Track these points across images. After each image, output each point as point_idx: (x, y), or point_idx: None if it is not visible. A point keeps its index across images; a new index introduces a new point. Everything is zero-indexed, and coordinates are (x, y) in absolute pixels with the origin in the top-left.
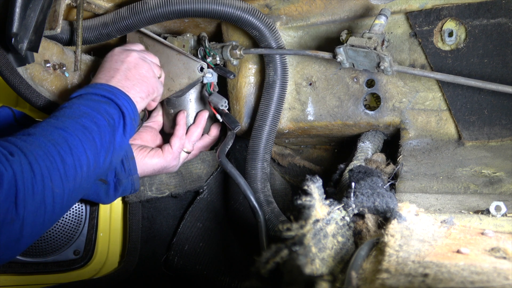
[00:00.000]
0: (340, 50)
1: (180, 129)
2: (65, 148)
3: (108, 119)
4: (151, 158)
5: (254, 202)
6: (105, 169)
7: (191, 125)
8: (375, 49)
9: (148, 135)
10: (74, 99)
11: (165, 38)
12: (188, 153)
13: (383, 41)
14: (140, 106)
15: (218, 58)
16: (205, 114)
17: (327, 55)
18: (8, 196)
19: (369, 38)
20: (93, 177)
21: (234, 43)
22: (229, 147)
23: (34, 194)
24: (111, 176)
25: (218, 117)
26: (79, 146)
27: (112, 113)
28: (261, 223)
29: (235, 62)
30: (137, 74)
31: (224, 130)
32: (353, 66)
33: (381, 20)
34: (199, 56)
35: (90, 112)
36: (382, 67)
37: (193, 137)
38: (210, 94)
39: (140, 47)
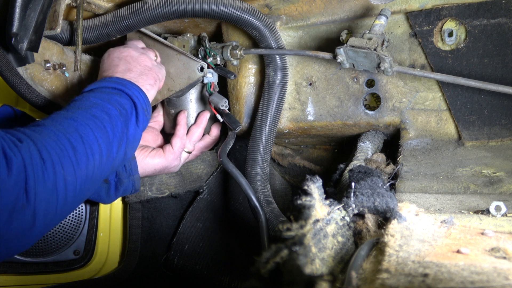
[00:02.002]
0: (340, 51)
1: (180, 129)
2: (75, 136)
3: (119, 109)
4: (152, 158)
5: (256, 202)
6: (120, 160)
7: (192, 125)
8: (375, 49)
9: (150, 135)
10: (85, 93)
11: (165, 38)
12: (189, 153)
13: (383, 41)
14: (150, 94)
15: (218, 59)
16: (206, 115)
17: (327, 55)
18: (18, 182)
19: (369, 38)
20: (107, 167)
21: (234, 43)
22: (230, 147)
23: (45, 181)
24: (112, 175)
25: (219, 117)
26: (90, 135)
27: (123, 104)
28: (262, 223)
29: (235, 62)
30: (138, 65)
31: (224, 130)
32: (353, 66)
33: (381, 21)
34: (200, 57)
35: (101, 102)
36: (382, 68)
37: (194, 137)
38: (210, 94)
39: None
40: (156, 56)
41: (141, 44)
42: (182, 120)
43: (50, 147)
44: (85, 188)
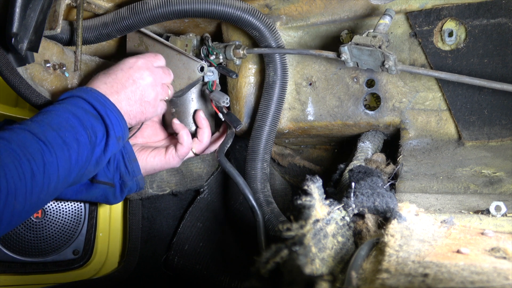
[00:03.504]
0: (345, 49)
1: (185, 137)
2: (39, 164)
3: (90, 136)
4: (153, 158)
5: (253, 202)
6: (76, 182)
7: (197, 128)
8: (380, 47)
9: (149, 129)
10: (64, 103)
11: (168, 37)
12: (196, 154)
13: (387, 40)
14: (131, 123)
15: (221, 57)
16: (200, 113)
17: (331, 54)
18: None
19: (374, 36)
20: (58, 191)
21: (237, 43)
22: (228, 146)
23: None
24: (116, 178)
25: (220, 115)
26: (53, 164)
27: (97, 130)
28: (260, 223)
29: (238, 61)
30: (140, 99)
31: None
32: (357, 65)
33: (386, 20)
34: (202, 55)
35: (76, 126)
36: (386, 66)
37: (204, 139)
38: (211, 91)
39: (162, 61)
40: (166, 98)
41: (162, 62)
42: (183, 130)
43: (9, 176)
44: (30, 212)
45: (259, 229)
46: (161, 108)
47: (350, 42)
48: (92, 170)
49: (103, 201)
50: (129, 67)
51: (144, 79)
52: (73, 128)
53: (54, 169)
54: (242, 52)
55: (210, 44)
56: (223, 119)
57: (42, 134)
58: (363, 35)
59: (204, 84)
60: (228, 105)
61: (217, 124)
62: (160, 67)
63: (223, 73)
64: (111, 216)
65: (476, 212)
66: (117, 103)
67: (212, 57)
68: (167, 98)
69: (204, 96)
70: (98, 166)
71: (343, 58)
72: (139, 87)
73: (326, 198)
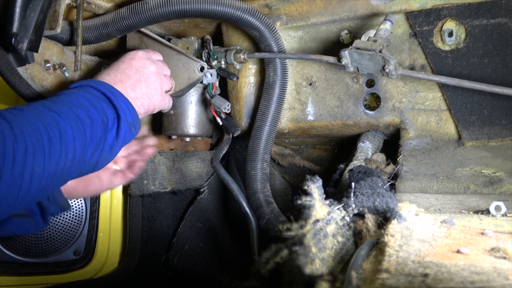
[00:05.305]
0: (345, 53)
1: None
2: (55, 131)
3: (102, 117)
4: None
5: (246, 208)
6: (90, 167)
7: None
8: (380, 51)
9: None
10: (73, 89)
11: (169, 40)
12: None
13: (388, 45)
14: (140, 113)
15: (222, 62)
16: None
17: (331, 59)
18: None
19: (374, 41)
20: (75, 170)
21: (238, 47)
22: (224, 152)
23: (14, 165)
24: (35, 208)
25: (219, 120)
26: (69, 133)
27: (107, 113)
28: (253, 229)
29: (238, 66)
30: (145, 88)
31: (220, 131)
32: (357, 70)
33: (386, 25)
34: (204, 59)
35: (87, 105)
36: (387, 70)
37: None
38: (212, 96)
39: (160, 56)
40: (171, 89)
41: (160, 57)
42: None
43: (27, 134)
44: (48, 184)
45: (252, 236)
46: (169, 100)
47: (350, 47)
48: (107, 157)
49: (23, 232)
50: (130, 58)
51: (147, 67)
52: (85, 107)
53: (71, 139)
54: (242, 56)
55: (211, 47)
56: (220, 124)
57: (56, 108)
58: (364, 39)
59: (205, 88)
60: (228, 112)
61: (216, 129)
62: (159, 61)
63: (224, 76)
64: (111, 216)
65: (476, 212)
66: (123, 91)
67: (214, 62)
68: (171, 90)
69: (203, 100)
70: (112, 153)
71: (343, 63)
72: (142, 75)
73: (326, 198)
